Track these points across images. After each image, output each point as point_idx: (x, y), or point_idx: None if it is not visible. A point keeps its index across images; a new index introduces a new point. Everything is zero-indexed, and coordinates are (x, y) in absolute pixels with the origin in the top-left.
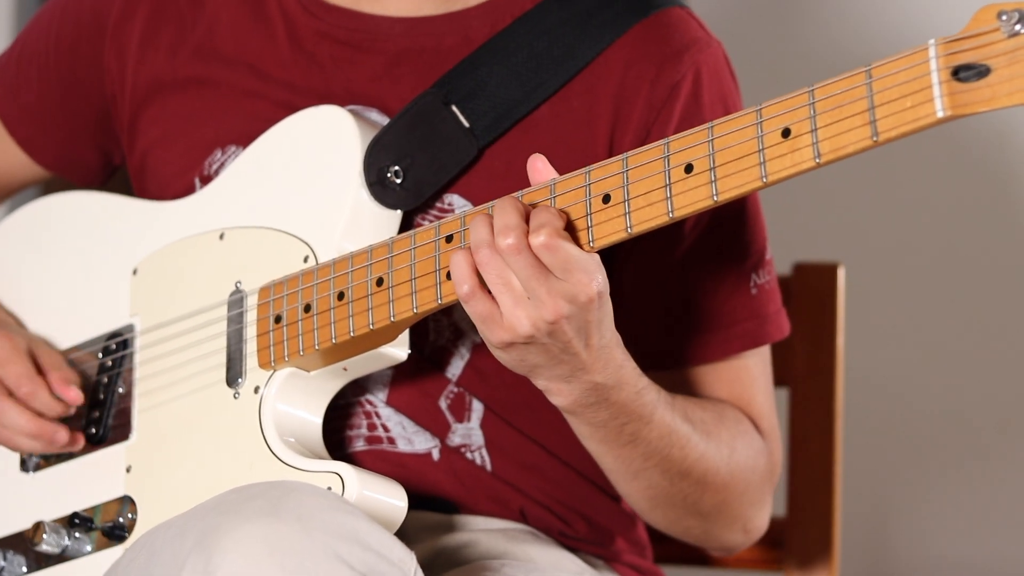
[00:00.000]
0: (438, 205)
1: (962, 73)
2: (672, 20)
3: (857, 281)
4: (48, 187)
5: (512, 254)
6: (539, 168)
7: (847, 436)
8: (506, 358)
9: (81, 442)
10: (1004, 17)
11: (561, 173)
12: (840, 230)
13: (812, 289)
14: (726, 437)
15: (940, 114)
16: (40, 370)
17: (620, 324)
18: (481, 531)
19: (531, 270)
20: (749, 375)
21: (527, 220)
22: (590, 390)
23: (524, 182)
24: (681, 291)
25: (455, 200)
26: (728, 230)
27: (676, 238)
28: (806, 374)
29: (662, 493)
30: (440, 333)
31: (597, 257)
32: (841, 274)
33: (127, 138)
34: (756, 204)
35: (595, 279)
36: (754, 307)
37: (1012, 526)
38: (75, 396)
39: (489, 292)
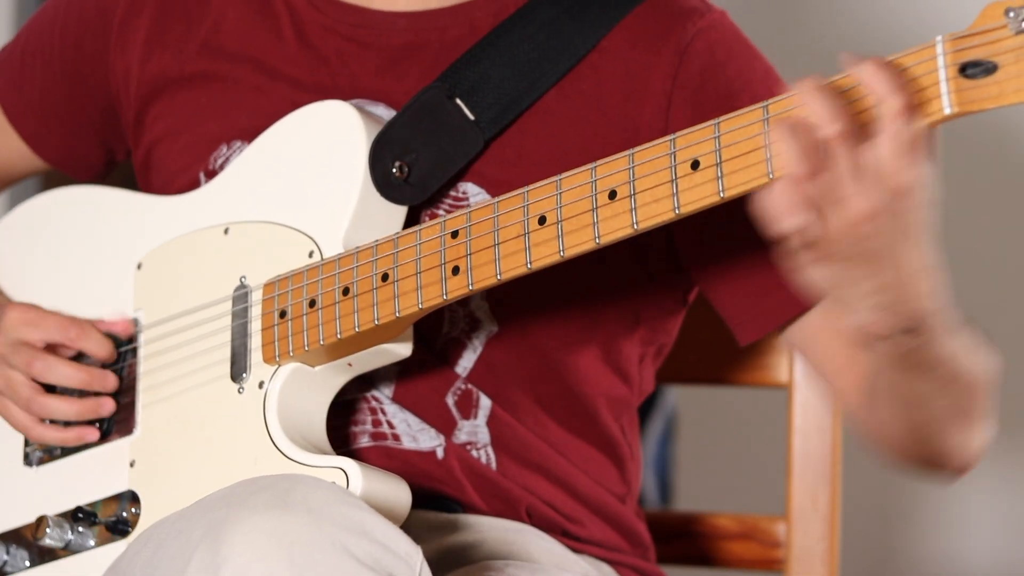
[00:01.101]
0: (452, 194)
1: (969, 70)
2: None
3: None
4: (48, 179)
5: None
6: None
7: (847, 436)
8: (833, 265)
9: (110, 407)
10: (1012, 14)
11: (573, 154)
12: None
13: None
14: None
15: (947, 111)
16: None
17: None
18: (486, 531)
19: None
20: None
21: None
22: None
23: (536, 166)
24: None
25: (468, 188)
26: None
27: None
28: (806, 374)
29: (942, 412)
30: (455, 324)
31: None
32: None
33: (132, 134)
34: None
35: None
36: None
37: (1012, 526)
38: (125, 326)
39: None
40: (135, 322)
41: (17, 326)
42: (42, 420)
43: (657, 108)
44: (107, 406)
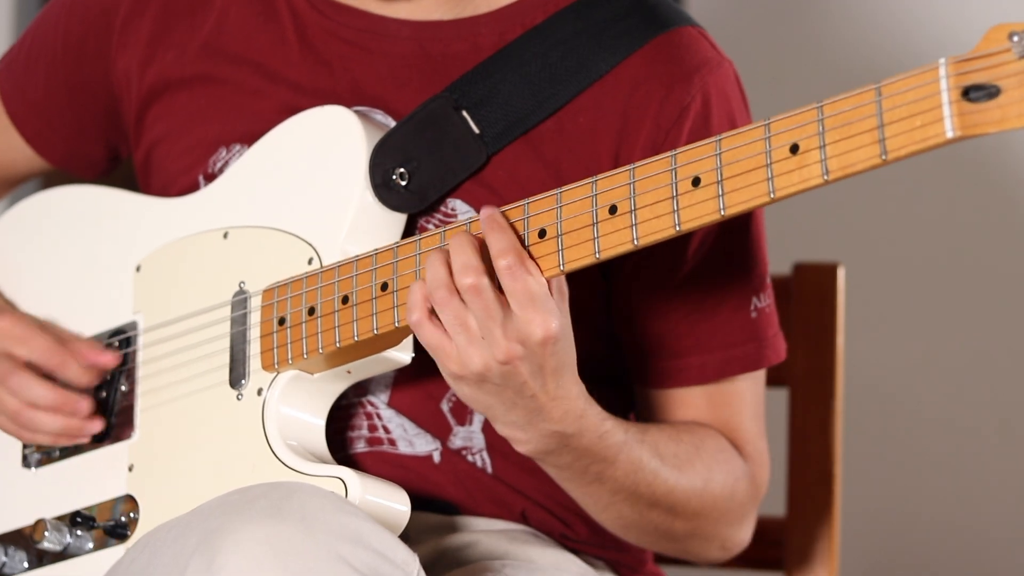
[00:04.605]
0: (441, 209)
1: (972, 93)
2: (684, 40)
3: (857, 281)
4: (48, 179)
5: (471, 294)
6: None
7: (847, 436)
8: (459, 392)
9: (99, 424)
10: (1016, 38)
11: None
12: (840, 230)
13: (812, 289)
14: (701, 468)
15: (949, 134)
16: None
17: (620, 341)
18: (482, 532)
19: (488, 310)
20: (739, 399)
21: (481, 250)
22: (549, 437)
23: (526, 193)
24: (682, 311)
25: (457, 205)
26: (732, 252)
27: (680, 258)
28: (806, 374)
29: (632, 522)
30: None
31: (554, 301)
32: (841, 274)
33: (133, 134)
34: (760, 228)
35: (553, 320)
36: (753, 330)
37: (1012, 526)
38: (111, 358)
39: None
40: (121, 356)
41: (5, 338)
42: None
43: (643, 156)
44: (93, 426)
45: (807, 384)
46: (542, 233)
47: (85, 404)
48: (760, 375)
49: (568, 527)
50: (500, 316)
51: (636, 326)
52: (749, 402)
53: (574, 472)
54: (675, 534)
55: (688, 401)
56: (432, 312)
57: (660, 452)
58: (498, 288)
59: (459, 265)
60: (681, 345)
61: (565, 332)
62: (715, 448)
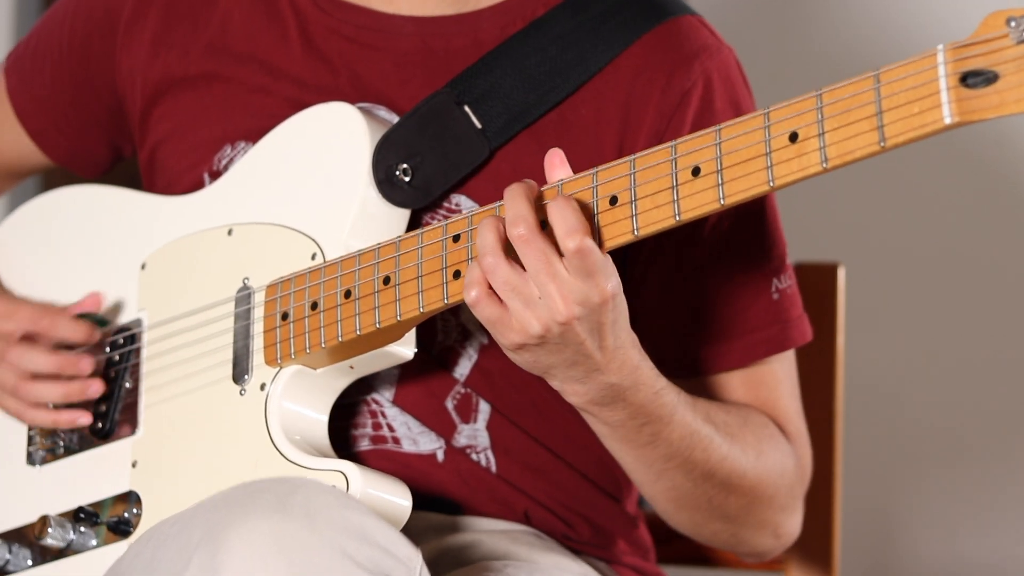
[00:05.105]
0: (445, 205)
1: (970, 79)
2: (683, 28)
3: (857, 281)
4: (49, 177)
5: (521, 244)
6: (556, 164)
7: (847, 436)
8: (519, 359)
9: (99, 386)
10: (1013, 23)
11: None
12: (840, 230)
13: (812, 289)
14: (751, 440)
15: (948, 120)
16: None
17: (643, 331)
18: (484, 532)
19: (541, 262)
20: (774, 378)
21: (540, 204)
22: (605, 390)
23: None
24: (703, 297)
25: (462, 201)
26: (749, 235)
27: (697, 244)
28: (806, 374)
29: (686, 495)
30: (448, 333)
31: (609, 258)
32: (841, 274)
33: (138, 133)
34: (774, 209)
35: (610, 281)
36: (776, 312)
37: (1012, 526)
38: (94, 301)
39: (497, 295)
40: (101, 296)
41: None
42: (35, 404)
43: (648, 144)
44: (94, 387)
45: (807, 384)
46: (544, 224)
47: (86, 362)
48: (791, 356)
49: (570, 527)
50: (555, 272)
51: (657, 316)
52: (785, 382)
53: (628, 431)
54: (729, 512)
55: (723, 385)
56: (490, 289)
57: (713, 419)
58: (549, 243)
59: (511, 216)
60: (704, 332)
61: (620, 287)
62: (761, 423)
